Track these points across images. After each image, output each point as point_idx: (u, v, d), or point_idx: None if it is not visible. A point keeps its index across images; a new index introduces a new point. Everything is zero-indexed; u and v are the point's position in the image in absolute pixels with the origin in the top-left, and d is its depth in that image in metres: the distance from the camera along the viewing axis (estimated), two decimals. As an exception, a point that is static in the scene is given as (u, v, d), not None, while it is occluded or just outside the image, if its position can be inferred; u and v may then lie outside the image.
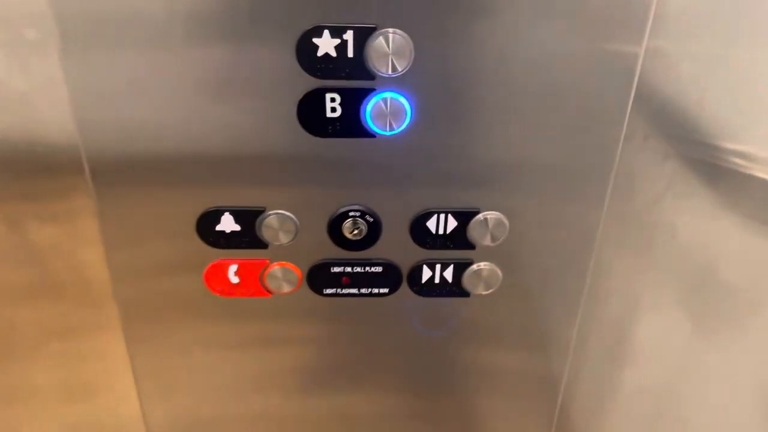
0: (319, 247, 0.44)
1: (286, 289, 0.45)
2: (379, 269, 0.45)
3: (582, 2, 0.36)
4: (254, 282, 0.45)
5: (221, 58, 0.36)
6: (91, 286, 0.49)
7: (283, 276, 0.45)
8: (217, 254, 0.44)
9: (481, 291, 0.47)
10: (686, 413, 0.61)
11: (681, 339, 0.56)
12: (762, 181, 0.47)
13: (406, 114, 0.38)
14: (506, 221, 0.43)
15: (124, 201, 0.41)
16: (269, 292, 0.46)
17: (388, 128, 0.39)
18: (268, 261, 0.44)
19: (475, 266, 0.46)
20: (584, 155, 0.41)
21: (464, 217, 0.43)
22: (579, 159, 0.41)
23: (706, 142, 0.47)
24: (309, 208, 0.42)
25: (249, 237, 0.43)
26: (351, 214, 0.42)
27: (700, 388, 0.59)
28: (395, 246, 0.44)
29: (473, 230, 0.44)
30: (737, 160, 0.47)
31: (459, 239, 0.44)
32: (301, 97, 0.38)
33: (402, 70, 0.37)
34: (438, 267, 0.46)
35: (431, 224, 0.43)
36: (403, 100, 0.38)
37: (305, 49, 0.36)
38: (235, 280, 0.45)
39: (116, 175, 0.40)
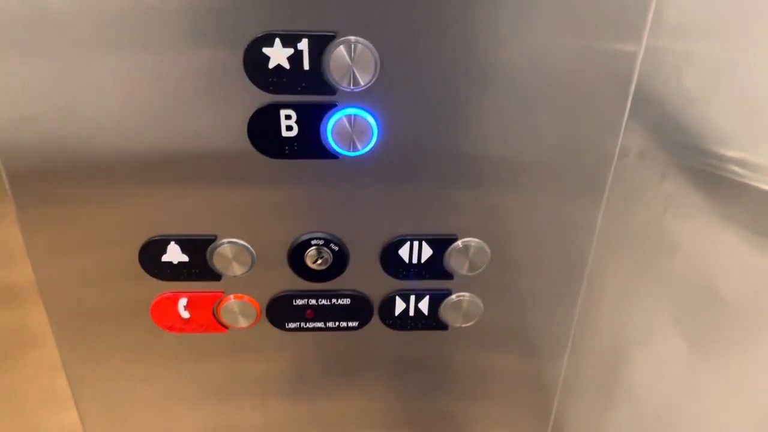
0: (279, 278, 0.39)
1: (243, 323, 0.41)
2: (347, 301, 0.41)
3: (572, 5, 0.31)
4: (207, 316, 0.40)
5: (160, 68, 0.32)
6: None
7: (240, 310, 0.40)
8: (165, 287, 0.39)
9: (461, 323, 0.42)
10: (684, 417, 0.58)
11: (677, 354, 0.54)
12: (763, 192, 0.44)
13: (371, 132, 0.34)
14: (487, 248, 0.39)
15: (48, 224, 0.36)
16: (224, 326, 0.41)
17: (351, 148, 0.34)
18: (222, 293, 0.40)
19: (453, 297, 0.41)
20: (573, 173, 0.37)
21: (440, 244, 0.39)
22: (568, 178, 0.37)
23: (707, 149, 0.45)
24: (266, 236, 0.38)
25: (199, 268, 0.38)
26: (314, 242, 0.38)
27: (696, 396, 0.56)
28: (365, 276, 0.40)
29: (451, 259, 0.39)
30: (738, 169, 0.44)
31: (435, 268, 0.40)
32: (251, 114, 0.33)
33: (366, 84, 0.32)
34: (413, 298, 0.41)
35: (404, 253, 0.39)
36: (368, 116, 0.33)
37: (254, 60, 0.31)
38: (185, 314, 0.40)
39: (39, 190, 0.35)
